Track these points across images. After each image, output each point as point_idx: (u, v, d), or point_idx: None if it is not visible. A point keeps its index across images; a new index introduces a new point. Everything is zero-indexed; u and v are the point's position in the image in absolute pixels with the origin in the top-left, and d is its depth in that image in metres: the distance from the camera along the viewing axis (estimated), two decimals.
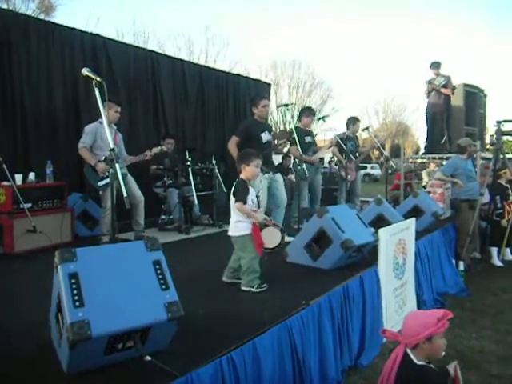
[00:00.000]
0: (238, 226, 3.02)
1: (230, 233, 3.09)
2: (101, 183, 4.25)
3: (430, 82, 7.84)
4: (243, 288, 3.02)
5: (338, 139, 5.90)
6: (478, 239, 5.93)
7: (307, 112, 6.12)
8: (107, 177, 4.02)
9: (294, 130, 5.23)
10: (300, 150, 5.11)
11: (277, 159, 9.49)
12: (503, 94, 47.15)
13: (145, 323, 1.78)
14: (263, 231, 3.15)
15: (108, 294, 1.77)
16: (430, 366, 2.00)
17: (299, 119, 6.23)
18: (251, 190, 3.06)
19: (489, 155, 7.43)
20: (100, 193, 4.41)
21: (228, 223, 3.15)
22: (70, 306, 1.67)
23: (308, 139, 5.91)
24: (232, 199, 3.02)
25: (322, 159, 6.04)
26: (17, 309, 2.65)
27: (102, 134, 4.27)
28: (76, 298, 1.69)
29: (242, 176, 3.08)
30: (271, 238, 3.25)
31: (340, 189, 6.48)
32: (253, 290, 2.98)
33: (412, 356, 1.99)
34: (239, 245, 3.04)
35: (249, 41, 43.72)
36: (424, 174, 10.55)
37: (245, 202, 2.96)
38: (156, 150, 4.85)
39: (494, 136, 5.39)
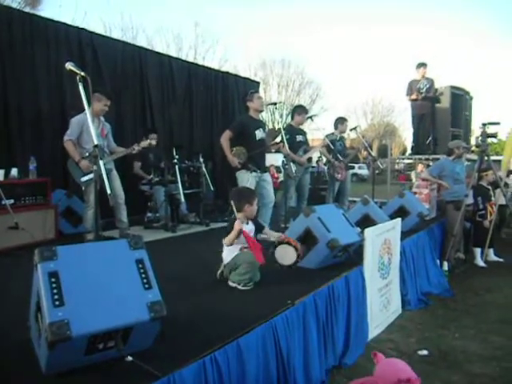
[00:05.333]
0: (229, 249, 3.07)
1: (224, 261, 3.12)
2: (83, 179, 4.19)
3: (412, 86, 7.87)
4: (230, 284, 3.03)
5: (328, 142, 5.85)
6: (462, 240, 6.01)
7: (299, 110, 6.05)
8: (90, 172, 3.96)
9: (282, 129, 5.21)
10: (287, 147, 5.08)
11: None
12: (489, 97, 47.80)
13: (126, 323, 1.75)
14: (278, 248, 3.22)
15: (89, 293, 1.73)
16: None
17: (292, 117, 6.13)
18: (247, 225, 3.13)
19: (474, 157, 7.51)
20: (83, 188, 4.35)
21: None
22: (49, 305, 1.63)
23: (299, 138, 5.85)
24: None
25: (310, 159, 5.97)
26: None
27: (89, 127, 4.20)
28: (56, 297, 1.65)
29: (239, 215, 3.12)
30: (286, 255, 3.28)
31: (329, 188, 6.48)
32: (239, 287, 2.98)
33: None
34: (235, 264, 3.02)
35: (238, 39, 43.64)
36: (412, 174, 10.65)
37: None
38: (144, 143, 4.79)
39: (480, 138, 5.44)
